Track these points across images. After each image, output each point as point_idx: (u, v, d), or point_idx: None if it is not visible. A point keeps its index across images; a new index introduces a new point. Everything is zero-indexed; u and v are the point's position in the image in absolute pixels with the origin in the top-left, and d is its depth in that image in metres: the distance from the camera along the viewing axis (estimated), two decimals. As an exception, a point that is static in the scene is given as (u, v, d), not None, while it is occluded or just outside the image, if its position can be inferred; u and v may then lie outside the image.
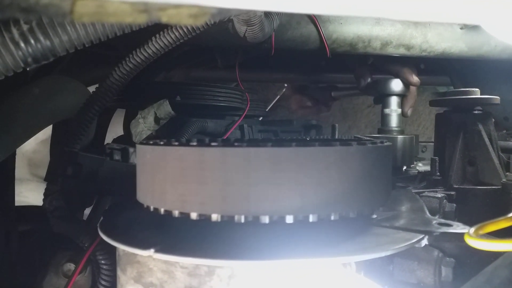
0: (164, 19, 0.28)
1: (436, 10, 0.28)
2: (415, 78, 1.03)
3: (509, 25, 0.33)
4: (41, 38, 0.45)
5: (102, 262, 0.58)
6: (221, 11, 0.29)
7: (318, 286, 0.42)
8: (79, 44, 0.48)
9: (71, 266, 0.61)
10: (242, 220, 0.40)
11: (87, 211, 0.87)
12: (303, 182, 0.41)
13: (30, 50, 0.45)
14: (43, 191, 0.66)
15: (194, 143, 0.44)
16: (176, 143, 0.46)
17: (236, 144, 0.41)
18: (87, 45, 0.49)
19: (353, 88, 1.26)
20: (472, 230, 0.40)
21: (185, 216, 0.42)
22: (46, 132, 0.87)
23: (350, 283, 0.44)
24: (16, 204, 0.81)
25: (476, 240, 0.38)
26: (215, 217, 0.41)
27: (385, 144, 0.49)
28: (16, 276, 0.69)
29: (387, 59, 1.02)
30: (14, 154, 0.77)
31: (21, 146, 0.70)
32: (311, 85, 1.41)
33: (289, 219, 0.40)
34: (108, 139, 1.05)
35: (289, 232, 0.44)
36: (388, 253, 0.42)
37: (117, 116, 1.15)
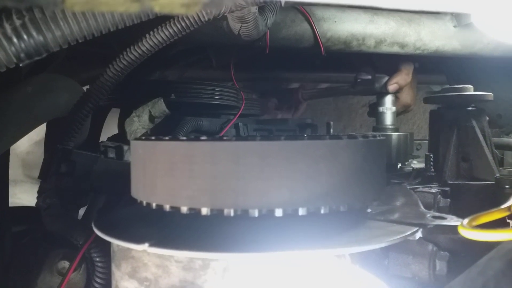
0: (157, 8, 0.28)
1: (428, -1, 0.28)
2: (391, 87, 1.04)
3: (500, 22, 0.33)
4: (34, 33, 0.45)
5: (97, 259, 0.58)
6: (213, 1, 0.29)
7: (312, 277, 0.42)
8: (72, 40, 0.48)
9: (66, 263, 0.60)
10: (232, 214, 0.40)
11: (82, 211, 0.86)
12: (291, 176, 0.40)
13: (23, 45, 0.45)
14: (37, 192, 0.65)
15: (184, 138, 0.44)
16: (167, 138, 0.46)
17: (224, 138, 0.41)
18: (80, 41, 0.48)
19: (331, 89, 1.25)
20: (465, 221, 0.40)
21: (176, 210, 0.42)
22: (40, 133, 0.86)
23: (344, 274, 0.44)
24: (10, 206, 0.80)
25: (470, 230, 0.38)
26: (204, 210, 0.41)
27: (378, 138, 0.49)
28: (9, 277, 0.69)
29: (386, 57, 1.02)
30: (7, 155, 0.76)
31: (15, 147, 0.69)
32: (274, 87, 1.39)
33: (278, 212, 0.41)
34: (103, 138, 1.04)
35: (282, 225, 0.44)
36: (382, 245, 0.42)
37: (112, 116, 1.15)
